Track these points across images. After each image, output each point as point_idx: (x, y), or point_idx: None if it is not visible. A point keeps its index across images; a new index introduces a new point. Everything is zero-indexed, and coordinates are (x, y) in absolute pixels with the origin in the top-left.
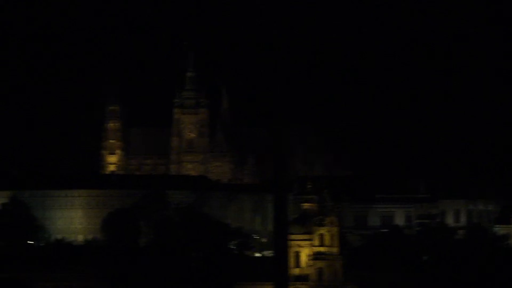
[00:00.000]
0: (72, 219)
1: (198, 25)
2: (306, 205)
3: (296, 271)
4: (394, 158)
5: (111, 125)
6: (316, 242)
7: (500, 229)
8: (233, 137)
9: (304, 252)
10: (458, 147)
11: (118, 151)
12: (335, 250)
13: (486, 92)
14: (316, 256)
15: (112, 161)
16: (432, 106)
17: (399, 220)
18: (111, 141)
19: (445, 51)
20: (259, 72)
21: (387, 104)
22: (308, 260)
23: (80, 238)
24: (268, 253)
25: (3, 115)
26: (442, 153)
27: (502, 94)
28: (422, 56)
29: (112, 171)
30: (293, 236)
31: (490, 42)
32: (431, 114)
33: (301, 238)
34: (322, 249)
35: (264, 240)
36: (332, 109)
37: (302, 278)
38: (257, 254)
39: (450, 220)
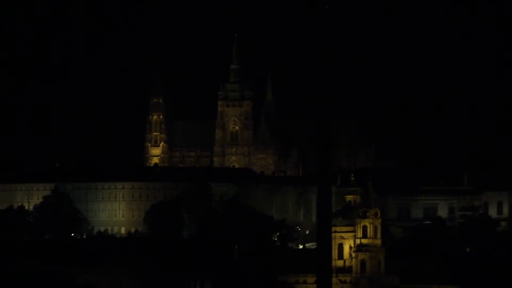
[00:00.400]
0: (115, 212)
1: (243, 17)
2: (349, 197)
3: (339, 263)
4: (437, 150)
5: (155, 117)
6: (359, 234)
7: None
8: (277, 130)
9: (347, 244)
10: (502, 139)
11: (161, 144)
12: (378, 242)
13: None
14: (359, 248)
15: (156, 153)
16: (478, 98)
17: (442, 212)
18: (154, 133)
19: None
20: (303, 64)
21: (431, 96)
22: (351, 252)
23: (123, 230)
24: (311, 245)
25: (46, 107)
26: (486, 145)
27: None
28: (467, 46)
29: (156, 164)
30: (336, 228)
31: None
32: (477, 106)
33: (344, 230)
34: (365, 241)
35: (307, 232)
36: (377, 101)
37: (345, 270)
38: (300, 246)
39: (493, 212)
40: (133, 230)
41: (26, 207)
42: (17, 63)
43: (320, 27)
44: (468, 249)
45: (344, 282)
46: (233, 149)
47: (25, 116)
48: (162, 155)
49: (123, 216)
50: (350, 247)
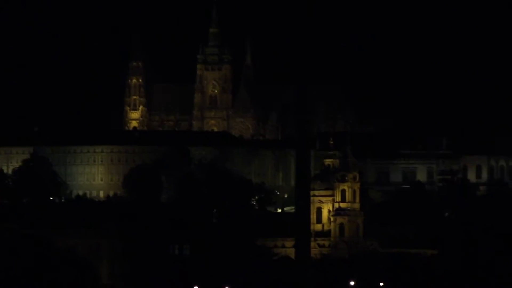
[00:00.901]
0: (94, 175)
1: None
2: (328, 161)
3: (317, 227)
4: (416, 114)
5: (134, 81)
6: (338, 198)
7: None
8: (256, 94)
9: (325, 207)
10: (480, 103)
11: (140, 107)
12: (356, 206)
13: (509, 47)
14: (337, 212)
15: (135, 117)
16: (455, 62)
17: (421, 176)
18: (133, 97)
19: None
20: (283, 29)
21: (410, 60)
22: (330, 215)
23: (101, 194)
24: (289, 208)
25: (25, 71)
26: (464, 109)
27: None
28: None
29: (135, 127)
30: (315, 192)
31: None
32: (454, 70)
33: (323, 194)
34: (343, 205)
35: (286, 195)
36: (354, 66)
37: (324, 234)
38: (279, 210)
39: (472, 176)
40: (111, 194)
41: (5, 171)
42: None
43: None
44: (446, 213)
45: (323, 246)
46: (212, 113)
47: (4, 80)
48: (141, 118)
49: (101, 180)
50: (329, 211)
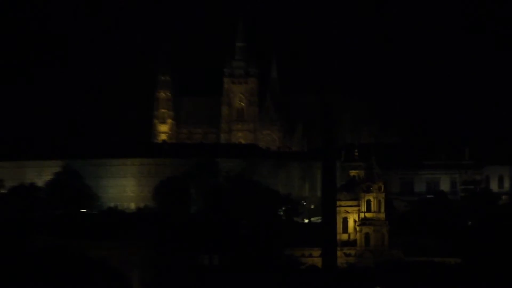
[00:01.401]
0: (125, 188)
1: None
2: (353, 172)
3: (343, 237)
4: (440, 125)
5: (162, 94)
6: (363, 208)
7: None
8: (282, 106)
9: (351, 218)
10: (503, 114)
11: (169, 120)
12: (381, 216)
13: None
14: (363, 222)
15: (163, 130)
16: (479, 73)
17: (444, 186)
18: (162, 110)
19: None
20: (308, 42)
21: (434, 72)
22: (355, 225)
23: (132, 206)
24: (316, 219)
25: (56, 83)
26: (487, 119)
27: None
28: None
29: (164, 140)
30: (341, 203)
31: None
32: (478, 82)
33: (349, 204)
34: (369, 215)
35: (312, 206)
36: (379, 77)
37: (350, 243)
38: (306, 220)
39: (494, 186)
40: (142, 205)
41: (38, 184)
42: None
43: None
44: (469, 222)
45: (349, 255)
46: (239, 126)
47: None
48: (169, 132)
49: (132, 192)
50: (355, 221)
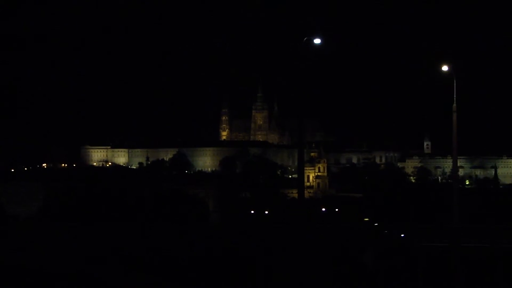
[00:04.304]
0: (205, 161)
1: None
2: (312, 154)
3: (307, 184)
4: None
5: (223, 117)
6: (316, 170)
7: None
8: (279, 123)
9: (311, 175)
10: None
11: (226, 130)
12: (324, 174)
13: None
14: (316, 177)
15: (224, 134)
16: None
17: (354, 160)
18: (223, 125)
19: None
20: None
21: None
22: (313, 178)
23: (209, 170)
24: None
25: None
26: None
27: None
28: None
29: (224, 139)
30: (306, 168)
31: None
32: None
33: (310, 168)
34: (319, 173)
35: (293, 170)
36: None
37: (310, 187)
38: (293, 176)
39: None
40: (213, 170)
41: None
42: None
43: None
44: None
45: (310, 192)
46: (259, 132)
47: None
48: (226, 135)
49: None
50: (313, 177)
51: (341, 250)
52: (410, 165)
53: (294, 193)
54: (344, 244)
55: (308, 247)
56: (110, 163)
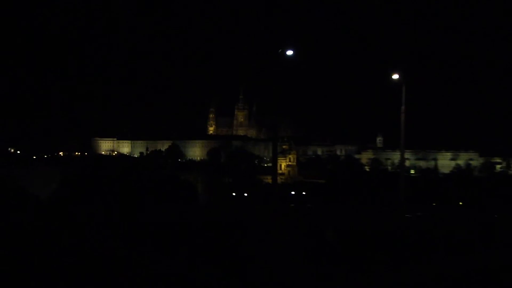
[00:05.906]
0: (195, 151)
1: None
2: (284, 146)
3: (280, 171)
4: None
5: (211, 115)
6: (287, 160)
7: None
8: (257, 121)
9: (283, 164)
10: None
11: (213, 125)
12: (294, 163)
13: None
14: (287, 165)
15: (211, 129)
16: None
17: (319, 152)
18: (211, 122)
19: None
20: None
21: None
22: (285, 167)
23: (198, 159)
24: (269, 164)
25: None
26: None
27: None
28: None
29: (211, 133)
30: (279, 158)
31: None
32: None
33: (282, 159)
34: (289, 163)
35: (268, 159)
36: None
37: (282, 174)
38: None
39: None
40: (201, 159)
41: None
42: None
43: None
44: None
45: (282, 179)
46: (240, 128)
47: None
48: (213, 130)
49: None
50: (285, 165)
51: (308, 227)
52: (365, 157)
53: (269, 179)
54: (310, 223)
55: (281, 224)
56: (115, 152)
